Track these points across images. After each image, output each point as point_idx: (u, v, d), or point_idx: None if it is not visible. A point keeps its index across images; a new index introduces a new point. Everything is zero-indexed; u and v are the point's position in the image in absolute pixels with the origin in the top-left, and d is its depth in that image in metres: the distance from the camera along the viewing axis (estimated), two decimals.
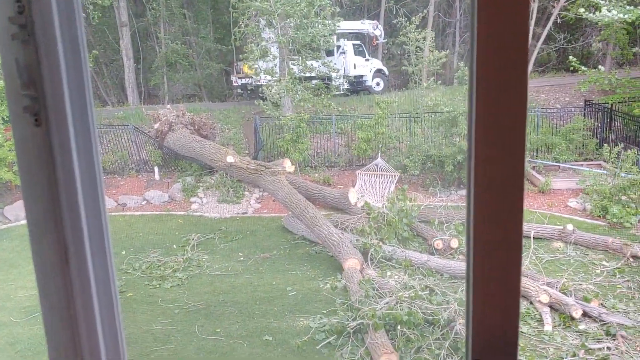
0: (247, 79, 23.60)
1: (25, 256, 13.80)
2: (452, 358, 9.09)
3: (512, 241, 0.95)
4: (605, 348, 9.31)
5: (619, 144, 16.92)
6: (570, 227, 13.26)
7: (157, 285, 12.30)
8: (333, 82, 22.84)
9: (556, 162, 18.13)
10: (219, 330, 10.51)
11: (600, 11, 19.04)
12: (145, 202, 17.44)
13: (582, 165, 17.70)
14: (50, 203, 0.87)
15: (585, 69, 20.51)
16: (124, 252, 13.55)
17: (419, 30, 21.06)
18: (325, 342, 9.76)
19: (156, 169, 18.81)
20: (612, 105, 19.76)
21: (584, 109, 20.46)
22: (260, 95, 20.88)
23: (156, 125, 18.69)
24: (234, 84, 25.29)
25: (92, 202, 0.90)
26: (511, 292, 0.96)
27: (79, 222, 0.88)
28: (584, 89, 21.10)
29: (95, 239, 0.91)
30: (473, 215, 0.93)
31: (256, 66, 21.32)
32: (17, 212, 16.59)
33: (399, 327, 9.55)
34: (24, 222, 16.28)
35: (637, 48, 23.20)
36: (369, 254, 12.34)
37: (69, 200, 0.87)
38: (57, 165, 0.85)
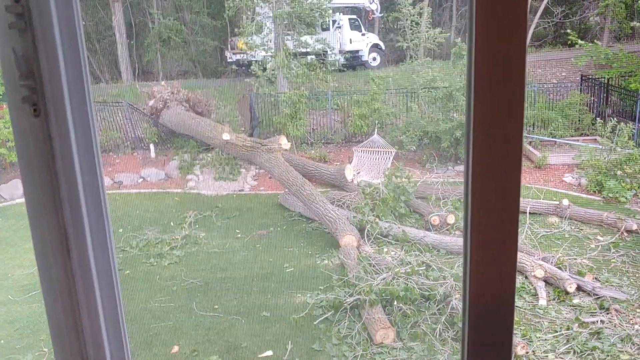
0: (242, 55, 23.39)
1: (22, 235, 13.82)
2: (448, 332, 9.21)
3: (509, 216, 0.95)
4: (599, 321, 9.44)
5: (613, 118, 16.93)
6: (565, 202, 13.34)
7: (155, 263, 12.35)
8: (329, 58, 22.67)
9: (552, 138, 18.13)
10: (217, 306, 10.60)
11: None
12: (141, 179, 17.41)
13: (578, 140, 17.72)
14: (50, 192, 0.86)
15: (583, 42, 20.36)
16: (120, 230, 13.57)
17: (413, 4, 20.88)
18: (322, 318, 9.85)
19: (152, 146, 18.73)
20: (608, 79, 19.71)
21: (581, 84, 20.40)
22: (252, 72, 20.69)
23: (151, 102, 18.57)
24: (229, 60, 25.07)
25: (92, 190, 0.90)
26: (507, 266, 0.97)
27: (78, 210, 0.88)
28: (581, 63, 21.00)
29: (95, 227, 0.91)
30: (471, 190, 0.94)
31: (251, 42, 21.12)
32: (12, 191, 16.55)
33: (395, 303, 9.65)
34: (19, 200, 16.25)
35: (635, 22, 23.04)
36: (366, 231, 12.40)
37: (69, 188, 0.87)
38: (57, 155, 0.85)
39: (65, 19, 0.83)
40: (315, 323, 9.81)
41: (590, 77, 20.66)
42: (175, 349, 9.41)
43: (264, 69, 20.23)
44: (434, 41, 20.23)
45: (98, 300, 0.89)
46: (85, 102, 0.86)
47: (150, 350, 9.15)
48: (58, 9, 0.81)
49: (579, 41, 20.07)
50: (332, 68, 22.40)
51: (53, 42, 0.81)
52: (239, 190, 16.57)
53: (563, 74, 22.43)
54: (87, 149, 0.87)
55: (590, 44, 20.62)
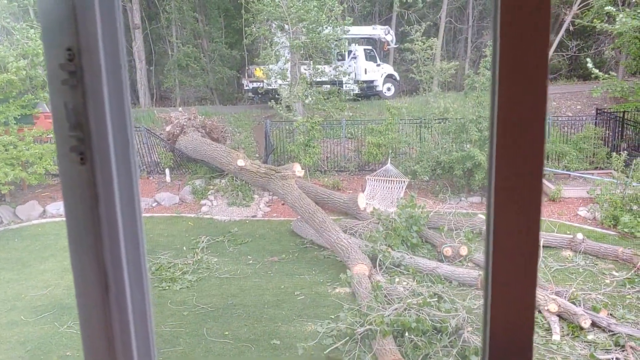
0: (259, 83, 23.75)
1: (36, 256, 13.97)
2: None
3: (529, 250, 0.99)
4: (614, 359, 9.29)
5: (623, 151, 16.90)
6: (580, 236, 13.23)
7: (167, 287, 12.40)
8: (344, 87, 22.93)
9: (567, 171, 18.08)
10: (227, 333, 10.58)
11: (615, 20, 18.99)
12: (156, 204, 17.58)
13: (592, 174, 17.65)
14: (92, 234, 0.93)
15: (601, 73, 20.33)
16: None
17: (424, 38, 21.18)
18: (332, 347, 9.79)
19: (167, 171, 18.95)
20: (624, 113, 19.69)
21: (596, 117, 20.40)
22: (273, 97, 21.00)
23: (168, 128, 18.84)
24: (245, 88, 25.45)
25: (132, 236, 0.96)
26: (527, 300, 1.01)
27: (118, 254, 0.94)
28: (596, 94, 20.99)
29: (132, 263, 0.97)
30: (493, 223, 0.98)
31: (268, 70, 21.46)
32: (29, 212, 16.78)
33: (406, 334, 9.57)
34: (35, 222, 16.47)
35: None
36: (378, 260, 12.38)
37: (110, 232, 0.93)
38: (100, 201, 0.91)
39: (112, 72, 0.91)
40: (325, 352, 9.75)
41: (605, 110, 20.65)
42: None
43: (280, 97, 20.50)
44: (446, 72, 20.47)
45: (132, 336, 0.95)
46: (128, 149, 0.93)
47: None
48: (107, 64, 0.89)
49: (596, 71, 20.02)
50: (347, 97, 22.65)
51: (101, 96, 0.89)
52: (252, 216, 16.66)
53: (578, 107, 22.46)
54: (129, 192, 0.94)
55: (606, 75, 20.62)
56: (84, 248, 0.92)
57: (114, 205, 0.91)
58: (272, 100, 20.71)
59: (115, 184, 0.91)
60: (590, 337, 9.96)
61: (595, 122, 20.07)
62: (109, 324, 0.92)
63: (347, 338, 9.79)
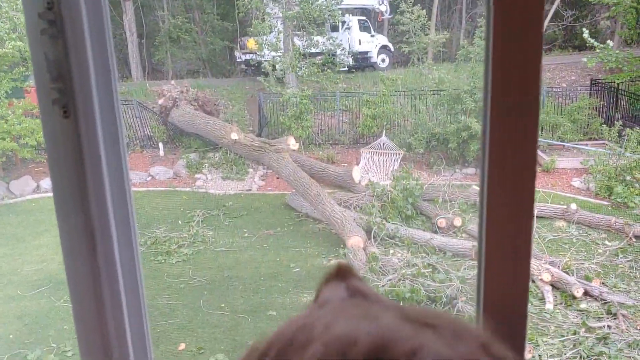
0: (251, 55, 23.48)
1: (31, 231, 13.94)
2: None
3: (523, 220, 0.98)
4: (606, 326, 9.42)
5: (617, 121, 16.92)
6: (573, 206, 13.30)
7: (163, 261, 12.44)
8: (337, 58, 22.71)
9: (561, 142, 18.08)
10: (223, 305, 10.66)
11: None
12: (150, 178, 17.52)
13: (586, 144, 17.66)
14: (78, 189, 0.90)
15: (596, 43, 20.16)
16: None
17: (415, 9, 20.99)
18: None
19: (160, 145, 18.85)
20: (618, 84, 19.61)
21: (590, 88, 20.32)
22: (263, 71, 20.76)
23: (160, 101, 18.69)
24: (238, 60, 25.17)
25: (118, 187, 0.94)
26: (521, 270, 1.00)
27: (104, 206, 0.91)
28: (591, 65, 20.84)
29: (121, 223, 0.95)
30: (487, 193, 0.97)
31: (261, 41, 21.20)
32: (22, 187, 16.70)
33: (401, 304, 9.66)
34: (29, 197, 16.40)
35: None
36: (372, 232, 12.43)
37: (95, 185, 0.91)
38: (85, 154, 0.88)
39: (94, 21, 0.87)
40: None
41: (600, 81, 20.56)
42: (182, 346, 9.47)
43: (273, 69, 20.30)
44: (437, 42, 20.34)
45: (122, 295, 0.93)
46: (113, 103, 0.90)
47: (157, 348, 9.19)
48: (89, 15, 0.85)
49: (591, 40, 19.81)
50: (341, 69, 22.45)
51: (83, 46, 0.85)
52: (247, 190, 16.64)
53: (572, 77, 22.36)
54: (114, 147, 0.91)
55: (602, 45, 20.45)
56: (69, 205, 0.89)
57: (99, 160, 0.88)
58: (262, 75, 20.45)
59: (100, 138, 0.88)
60: (582, 305, 10.09)
61: (590, 93, 20.01)
62: (97, 286, 0.89)
63: None
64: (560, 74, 22.69)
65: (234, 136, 16.17)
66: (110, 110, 0.89)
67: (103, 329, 0.93)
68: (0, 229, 14.33)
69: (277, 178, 16.38)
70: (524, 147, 0.95)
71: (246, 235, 13.68)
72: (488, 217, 0.97)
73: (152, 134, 19.23)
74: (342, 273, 0.51)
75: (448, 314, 0.47)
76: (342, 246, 12.06)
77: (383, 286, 9.97)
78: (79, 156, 0.87)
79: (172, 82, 20.64)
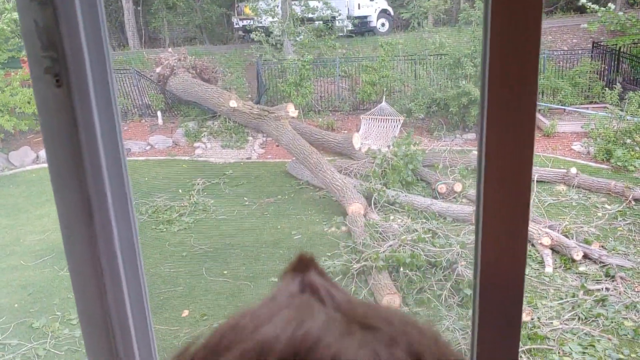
0: (249, 21, 23.14)
1: (32, 201, 13.99)
2: (453, 299, 9.32)
3: (521, 184, 0.98)
4: (604, 289, 9.52)
5: (617, 84, 16.78)
6: (573, 170, 13.30)
7: (164, 229, 12.50)
8: (336, 23, 22.39)
9: (562, 105, 17.97)
10: (226, 272, 10.76)
11: None
12: (149, 147, 17.48)
13: (587, 108, 17.55)
14: (72, 159, 0.90)
15: (597, 7, 19.89)
16: None
17: None
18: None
19: (159, 113, 18.75)
20: (620, 47, 19.38)
21: (592, 51, 20.08)
22: (254, 38, 20.49)
23: (158, 69, 18.52)
24: (235, 26, 24.84)
25: (113, 156, 0.93)
26: (519, 233, 1.00)
27: (100, 175, 0.91)
28: (593, 28, 20.61)
29: (117, 192, 0.94)
30: (484, 159, 0.96)
31: (257, 7, 20.88)
32: (22, 158, 16.69)
33: (401, 269, 9.75)
34: (29, 167, 16.40)
35: None
36: (373, 199, 12.46)
37: (90, 155, 0.90)
38: (79, 123, 0.87)
39: None
40: None
41: (602, 44, 20.31)
42: (186, 313, 9.60)
43: (270, 35, 20.03)
44: (436, 8, 20.04)
45: (120, 264, 0.93)
46: (106, 71, 0.88)
47: (161, 315, 9.33)
48: None
49: (591, 5, 19.55)
50: (340, 34, 22.16)
51: (74, 12, 0.83)
52: (247, 158, 16.62)
53: (574, 40, 22.08)
54: (108, 116, 0.90)
55: (602, 9, 20.16)
56: (65, 176, 0.88)
57: (93, 129, 0.87)
58: (255, 43, 20.17)
59: (94, 107, 0.87)
60: (581, 268, 10.18)
61: (592, 56, 19.78)
62: (95, 255, 0.89)
63: (344, 274, 9.99)
64: (561, 37, 22.39)
65: (233, 104, 16.07)
66: (104, 78, 0.88)
67: (102, 297, 0.93)
68: (2, 200, 14.37)
69: (277, 146, 16.33)
70: (522, 112, 0.94)
71: (247, 203, 13.72)
72: (486, 181, 0.96)
73: (150, 103, 19.11)
74: (302, 265, 0.50)
75: (402, 315, 0.45)
76: (338, 216, 12.10)
77: (383, 252, 10.04)
78: (72, 125, 0.86)
79: (170, 49, 20.41)
